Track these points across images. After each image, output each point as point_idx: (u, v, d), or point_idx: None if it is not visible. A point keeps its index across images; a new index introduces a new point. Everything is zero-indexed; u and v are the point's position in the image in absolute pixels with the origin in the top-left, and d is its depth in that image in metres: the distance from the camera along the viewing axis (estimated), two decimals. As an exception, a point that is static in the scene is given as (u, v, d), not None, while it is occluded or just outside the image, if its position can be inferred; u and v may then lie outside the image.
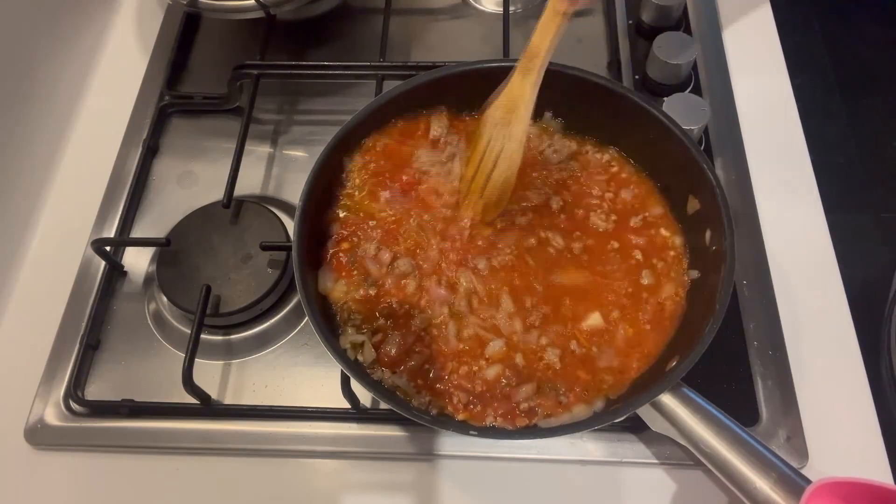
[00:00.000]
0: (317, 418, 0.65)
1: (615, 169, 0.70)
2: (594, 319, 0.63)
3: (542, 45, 0.62)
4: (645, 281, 0.64)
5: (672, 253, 0.66)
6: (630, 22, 0.89)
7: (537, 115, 0.72)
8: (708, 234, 0.63)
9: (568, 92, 0.68)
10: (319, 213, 0.66)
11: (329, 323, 0.62)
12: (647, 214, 0.68)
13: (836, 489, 0.51)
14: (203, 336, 0.68)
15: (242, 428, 0.66)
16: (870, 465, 0.63)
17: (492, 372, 0.60)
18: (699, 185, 0.63)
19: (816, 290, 0.71)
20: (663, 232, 0.67)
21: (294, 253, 0.60)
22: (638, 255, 0.65)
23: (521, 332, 0.62)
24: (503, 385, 0.59)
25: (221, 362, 0.70)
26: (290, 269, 0.60)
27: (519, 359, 0.60)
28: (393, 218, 0.67)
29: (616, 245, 0.66)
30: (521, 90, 0.62)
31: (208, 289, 0.67)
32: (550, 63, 0.68)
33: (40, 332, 0.71)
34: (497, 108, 0.64)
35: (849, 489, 0.52)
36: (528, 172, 0.69)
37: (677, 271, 0.65)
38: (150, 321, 0.72)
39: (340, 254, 0.65)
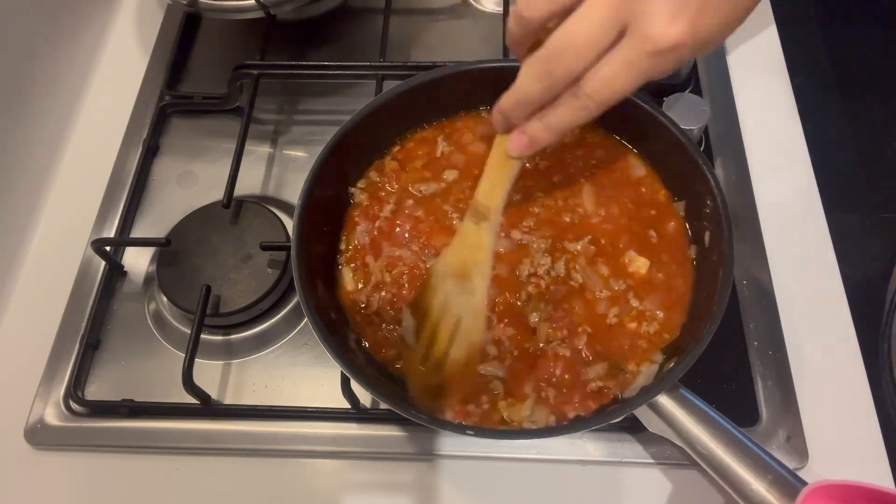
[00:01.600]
0: (317, 418, 0.65)
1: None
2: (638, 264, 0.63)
3: (491, 200, 0.53)
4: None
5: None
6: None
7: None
8: (707, 234, 0.63)
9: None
10: (326, 214, 0.67)
11: (329, 322, 0.62)
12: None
13: (832, 492, 0.51)
14: (203, 336, 0.68)
15: (242, 428, 0.66)
16: (870, 465, 0.63)
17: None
18: (699, 185, 0.63)
19: (816, 290, 0.71)
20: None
21: (293, 253, 0.60)
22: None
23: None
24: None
25: (221, 362, 0.70)
26: (290, 269, 0.60)
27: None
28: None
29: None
30: (476, 239, 0.55)
31: (208, 289, 0.67)
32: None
33: (40, 332, 0.71)
34: (451, 258, 0.57)
35: (845, 491, 0.52)
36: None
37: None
38: (150, 321, 0.72)
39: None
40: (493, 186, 0.53)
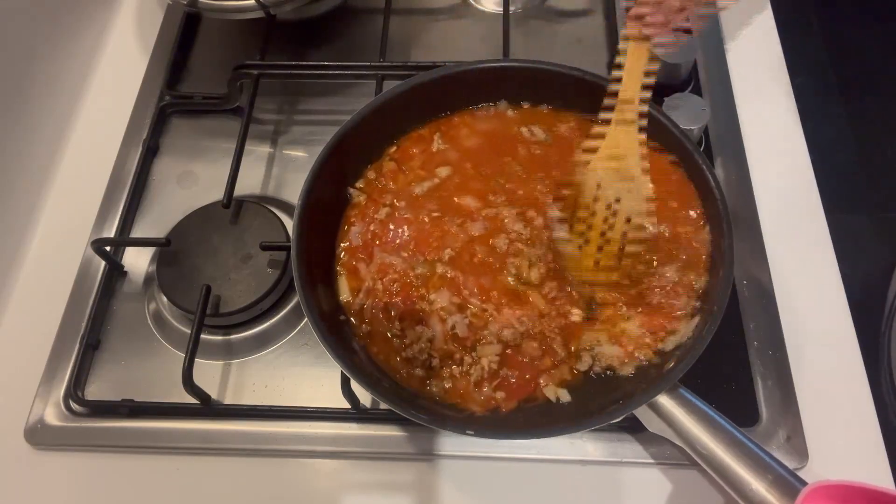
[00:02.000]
0: (317, 418, 0.65)
1: None
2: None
3: (633, 88, 0.58)
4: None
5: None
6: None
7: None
8: (707, 234, 0.63)
9: (567, 91, 0.68)
10: (326, 214, 0.67)
11: (329, 322, 0.62)
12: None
13: (832, 492, 0.51)
14: (203, 336, 0.68)
15: (242, 428, 0.66)
16: (870, 465, 0.63)
17: None
18: (698, 185, 0.63)
19: (816, 290, 0.71)
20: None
21: (293, 253, 0.60)
22: None
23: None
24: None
25: (221, 362, 0.70)
26: (290, 269, 0.60)
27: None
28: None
29: None
30: (627, 144, 0.58)
31: (208, 289, 0.67)
32: (550, 63, 0.68)
33: (40, 332, 0.71)
34: (601, 165, 0.60)
35: (844, 492, 0.52)
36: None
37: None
38: (150, 321, 0.72)
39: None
40: (631, 76, 0.58)
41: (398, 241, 0.66)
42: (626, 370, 0.60)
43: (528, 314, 0.62)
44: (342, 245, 0.67)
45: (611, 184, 0.60)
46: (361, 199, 0.69)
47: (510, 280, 0.63)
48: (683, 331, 0.60)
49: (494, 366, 0.60)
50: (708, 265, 0.62)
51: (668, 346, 0.60)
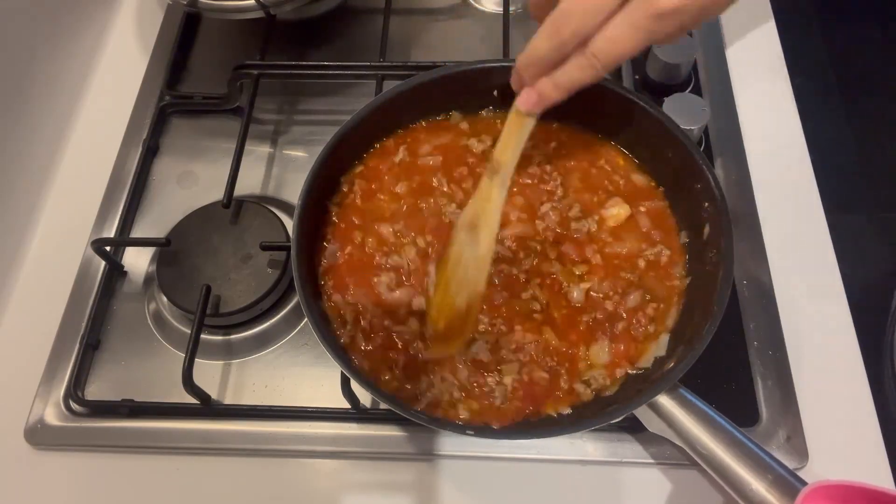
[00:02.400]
0: (317, 418, 0.65)
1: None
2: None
3: (503, 155, 0.57)
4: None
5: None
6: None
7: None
8: (707, 233, 0.63)
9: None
10: (320, 212, 0.66)
11: (328, 321, 0.62)
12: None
13: (832, 492, 0.51)
14: (203, 336, 0.68)
15: (242, 428, 0.66)
16: (870, 465, 0.63)
17: None
18: (698, 185, 0.63)
19: (816, 291, 0.71)
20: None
21: (293, 253, 0.60)
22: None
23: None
24: None
25: (221, 362, 0.70)
26: (290, 269, 0.60)
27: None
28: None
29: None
30: (487, 192, 0.58)
31: (208, 289, 0.67)
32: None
33: (40, 332, 0.71)
34: (467, 211, 0.60)
35: (844, 492, 0.52)
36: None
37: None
38: (150, 321, 0.72)
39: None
40: (507, 143, 0.57)
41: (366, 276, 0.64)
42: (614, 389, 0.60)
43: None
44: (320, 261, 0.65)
45: (464, 230, 0.59)
46: (335, 212, 0.67)
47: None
48: (653, 351, 0.60)
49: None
50: (679, 304, 0.63)
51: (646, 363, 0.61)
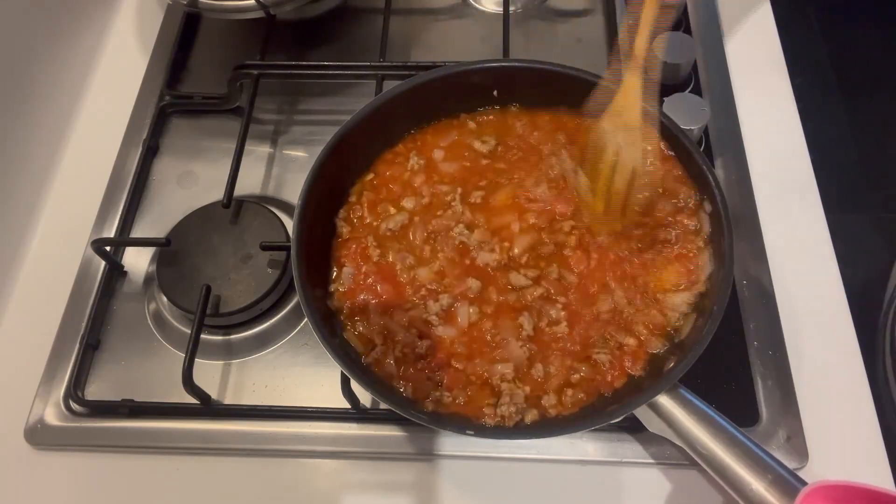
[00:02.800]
0: (317, 418, 0.65)
1: None
2: None
3: (640, 50, 0.60)
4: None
5: None
6: (630, 22, 0.89)
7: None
8: (707, 233, 0.63)
9: (566, 91, 0.68)
10: (322, 212, 0.66)
11: (329, 322, 0.62)
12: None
13: (831, 492, 0.51)
14: (203, 336, 0.68)
15: (242, 428, 0.66)
16: (870, 465, 0.63)
17: None
18: (698, 185, 0.63)
19: (816, 290, 0.71)
20: None
21: (293, 252, 0.60)
22: None
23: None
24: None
25: (221, 362, 0.70)
26: (290, 269, 0.60)
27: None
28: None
29: None
30: (633, 95, 0.61)
31: (208, 289, 0.67)
32: (550, 63, 0.68)
33: (40, 332, 0.71)
34: (616, 110, 0.62)
35: (843, 492, 0.52)
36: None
37: None
38: (150, 321, 0.72)
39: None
40: (642, 34, 0.59)
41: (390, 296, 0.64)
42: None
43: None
44: (337, 285, 0.65)
45: (613, 136, 0.62)
46: (346, 231, 0.67)
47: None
48: (706, 267, 0.62)
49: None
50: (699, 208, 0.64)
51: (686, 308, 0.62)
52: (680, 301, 0.62)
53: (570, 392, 0.59)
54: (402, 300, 0.63)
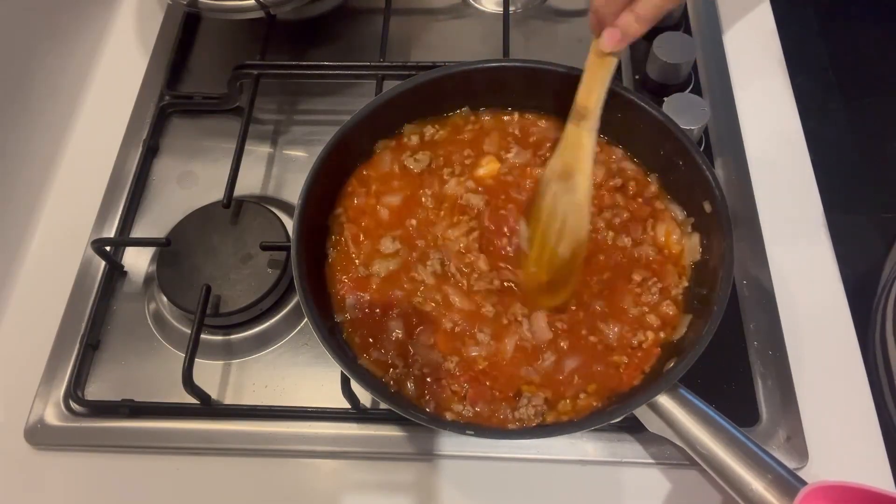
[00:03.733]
0: (317, 418, 0.65)
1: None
2: None
3: (588, 101, 0.58)
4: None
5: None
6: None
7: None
8: (707, 232, 0.63)
9: (566, 91, 0.68)
10: (321, 212, 0.66)
11: (328, 321, 0.62)
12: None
13: (830, 492, 0.51)
14: (203, 336, 0.68)
15: (242, 428, 0.66)
16: (870, 465, 0.63)
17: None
18: (699, 185, 0.63)
19: (816, 290, 0.71)
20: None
21: (293, 252, 0.60)
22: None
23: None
24: None
25: (221, 362, 0.70)
26: (290, 269, 0.60)
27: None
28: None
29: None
30: (576, 139, 0.59)
31: (208, 289, 0.67)
32: (549, 64, 0.68)
33: (40, 332, 0.71)
34: (555, 161, 0.61)
35: (843, 493, 0.52)
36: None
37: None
38: (150, 321, 0.72)
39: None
40: (591, 87, 0.58)
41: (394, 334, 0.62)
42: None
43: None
44: (343, 314, 0.63)
45: (555, 181, 0.61)
46: (336, 257, 0.66)
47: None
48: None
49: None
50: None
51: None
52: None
53: (582, 396, 0.59)
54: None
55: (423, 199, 0.68)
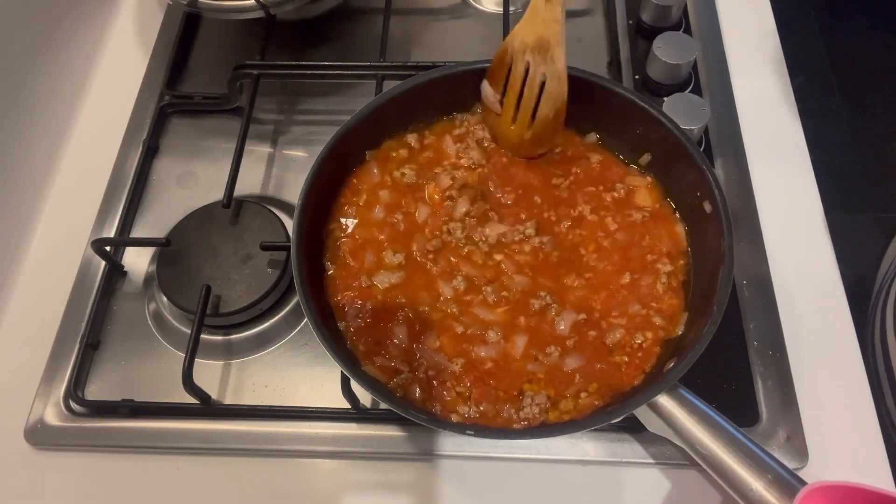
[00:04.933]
0: (317, 418, 0.65)
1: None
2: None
3: None
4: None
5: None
6: (630, 22, 0.89)
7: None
8: (707, 232, 0.63)
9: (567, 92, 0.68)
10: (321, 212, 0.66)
11: (328, 321, 0.62)
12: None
13: (830, 492, 0.51)
14: (203, 336, 0.68)
15: (242, 428, 0.66)
16: (870, 465, 0.63)
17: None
18: (699, 185, 0.63)
19: (816, 290, 0.71)
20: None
21: (293, 252, 0.60)
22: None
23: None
24: None
25: (221, 362, 0.70)
26: (290, 269, 0.60)
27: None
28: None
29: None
30: (549, 13, 0.63)
31: (208, 289, 0.67)
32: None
33: (40, 332, 0.71)
34: (526, 34, 0.64)
35: (843, 493, 0.52)
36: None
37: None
38: (150, 321, 0.72)
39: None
40: None
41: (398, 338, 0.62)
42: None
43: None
44: (347, 325, 0.63)
45: (530, 52, 0.65)
46: (334, 271, 0.65)
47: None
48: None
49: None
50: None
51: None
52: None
53: (584, 395, 0.59)
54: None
55: (416, 209, 0.68)
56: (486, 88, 0.69)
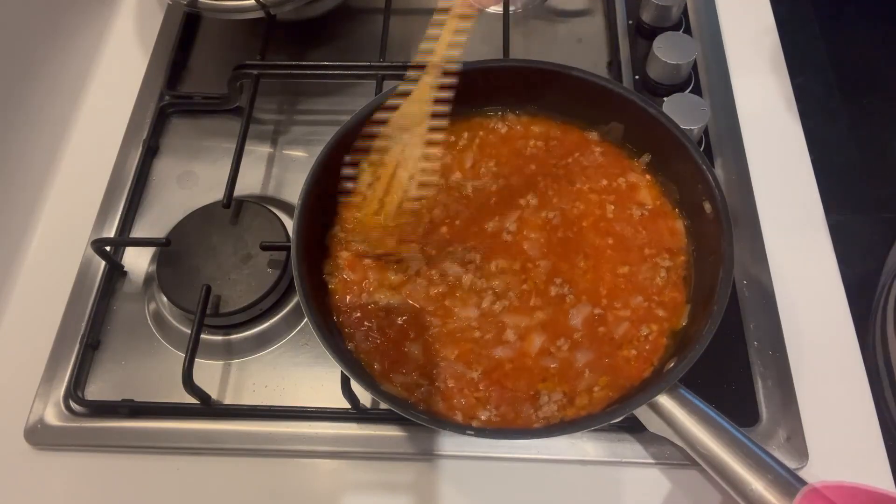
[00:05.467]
0: (317, 418, 0.65)
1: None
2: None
3: (437, 54, 0.60)
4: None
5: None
6: (630, 22, 0.89)
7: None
8: (707, 232, 0.63)
9: (567, 92, 0.68)
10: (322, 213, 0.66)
11: (329, 322, 0.62)
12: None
13: (830, 492, 0.51)
14: (203, 336, 0.68)
15: (242, 428, 0.66)
16: (870, 465, 0.63)
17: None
18: (699, 185, 0.63)
19: (816, 290, 0.71)
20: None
21: (293, 252, 0.60)
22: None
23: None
24: None
25: (221, 362, 0.70)
26: (290, 269, 0.60)
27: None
28: None
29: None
30: (427, 92, 0.60)
31: (208, 289, 0.67)
32: (551, 63, 0.68)
33: (40, 332, 0.71)
34: (403, 113, 0.61)
35: (843, 492, 0.52)
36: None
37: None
38: (150, 321, 0.72)
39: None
40: (442, 45, 0.60)
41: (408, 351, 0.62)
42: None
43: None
44: (357, 350, 0.62)
45: (406, 142, 0.62)
46: (336, 285, 0.65)
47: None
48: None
49: None
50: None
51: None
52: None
53: (596, 389, 0.60)
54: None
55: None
56: (365, 171, 0.64)
